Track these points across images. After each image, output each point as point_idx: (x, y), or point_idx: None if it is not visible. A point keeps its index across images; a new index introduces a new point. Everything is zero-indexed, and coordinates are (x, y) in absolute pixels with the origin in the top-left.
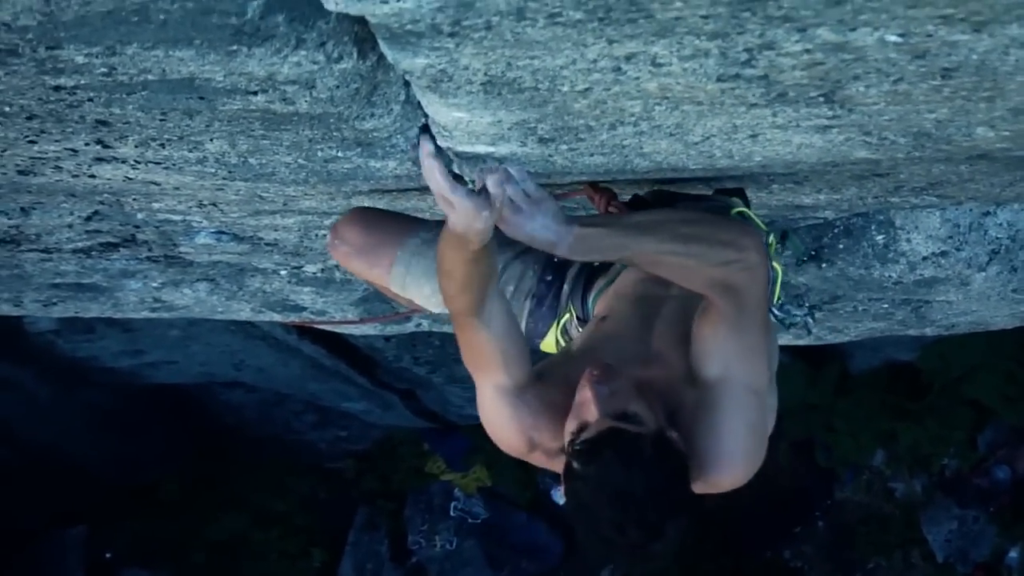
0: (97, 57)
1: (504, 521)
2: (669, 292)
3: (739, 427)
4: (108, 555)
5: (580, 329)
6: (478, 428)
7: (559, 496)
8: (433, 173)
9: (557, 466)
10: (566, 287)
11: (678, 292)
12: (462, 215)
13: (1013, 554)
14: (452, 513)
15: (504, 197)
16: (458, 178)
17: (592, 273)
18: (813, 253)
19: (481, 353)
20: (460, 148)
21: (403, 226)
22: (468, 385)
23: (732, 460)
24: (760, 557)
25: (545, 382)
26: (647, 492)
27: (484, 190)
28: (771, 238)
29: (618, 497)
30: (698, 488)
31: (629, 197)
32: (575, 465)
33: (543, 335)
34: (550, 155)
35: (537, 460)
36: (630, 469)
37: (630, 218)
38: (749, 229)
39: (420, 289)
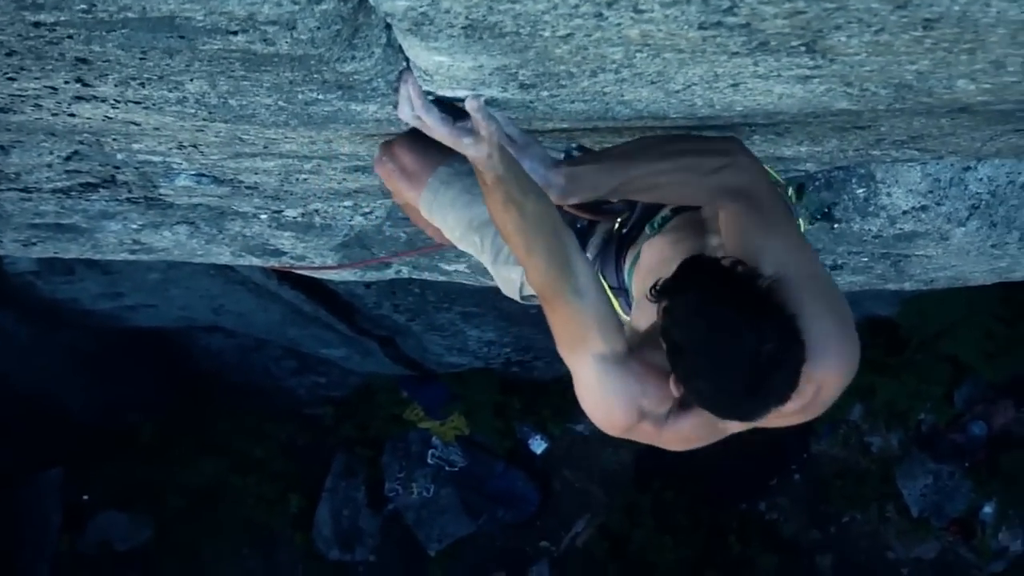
0: None
1: (481, 470)
2: (710, 242)
3: (820, 311)
4: (85, 497)
5: (619, 299)
6: (457, 377)
7: (537, 446)
8: (408, 88)
9: (664, 438)
10: (588, 255)
11: (718, 242)
12: (446, 137)
13: (987, 509)
14: (429, 461)
15: (488, 119)
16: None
17: (621, 244)
18: (827, 210)
19: (578, 327)
20: (441, 93)
21: (441, 154)
22: (447, 333)
23: (829, 345)
24: (736, 509)
25: (641, 348)
26: (738, 296)
27: (463, 117)
28: (789, 191)
29: (714, 301)
30: (812, 391)
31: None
32: (664, 305)
33: None
34: (531, 101)
35: (644, 434)
36: (716, 279)
37: (615, 149)
38: (730, 137)
39: (444, 218)
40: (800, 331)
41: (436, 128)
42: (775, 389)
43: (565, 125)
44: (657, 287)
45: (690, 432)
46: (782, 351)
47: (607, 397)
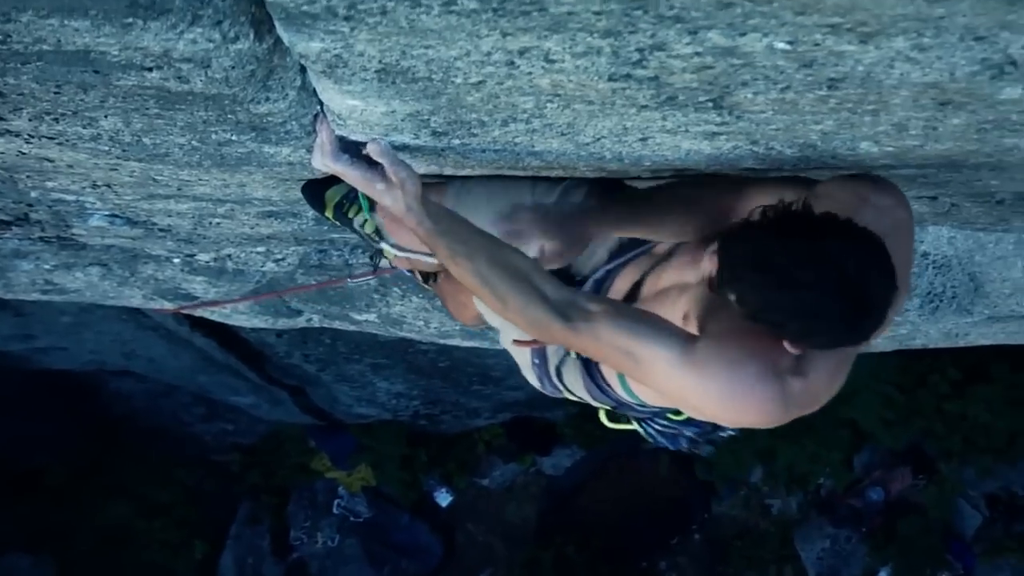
0: None
1: (387, 521)
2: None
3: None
4: None
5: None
6: (365, 428)
7: (442, 498)
8: (322, 135)
9: (816, 386)
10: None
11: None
12: (358, 184)
13: (883, 574)
14: (335, 511)
15: (396, 163)
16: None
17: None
18: None
19: (628, 346)
20: (353, 138)
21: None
22: (357, 384)
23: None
24: (636, 566)
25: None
26: (784, 228)
27: (373, 164)
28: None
29: (770, 245)
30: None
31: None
32: (737, 260)
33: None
34: (443, 148)
35: (799, 397)
36: (786, 214)
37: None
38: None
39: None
40: (858, 224)
41: (348, 174)
42: (875, 286)
43: (476, 174)
44: (719, 276)
45: (831, 363)
46: (857, 247)
47: (730, 378)
